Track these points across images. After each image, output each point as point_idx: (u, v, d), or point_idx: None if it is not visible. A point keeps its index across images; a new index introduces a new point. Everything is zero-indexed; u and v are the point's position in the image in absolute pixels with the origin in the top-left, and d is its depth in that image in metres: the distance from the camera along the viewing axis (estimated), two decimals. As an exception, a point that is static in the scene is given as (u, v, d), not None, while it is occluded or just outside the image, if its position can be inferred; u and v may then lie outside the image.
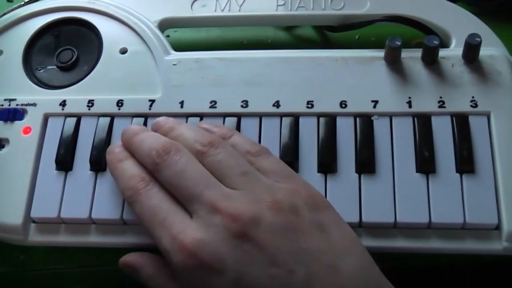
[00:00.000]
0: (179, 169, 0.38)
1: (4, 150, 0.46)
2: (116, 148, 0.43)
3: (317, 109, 0.45)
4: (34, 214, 0.44)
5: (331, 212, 0.39)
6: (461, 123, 0.43)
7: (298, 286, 0.34)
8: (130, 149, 0.42)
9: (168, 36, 0.56)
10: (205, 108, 0.46)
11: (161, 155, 0.39)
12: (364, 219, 0.41)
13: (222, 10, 0.51)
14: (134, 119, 0.46)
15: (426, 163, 0.42)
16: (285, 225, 0.36)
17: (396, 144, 0.43)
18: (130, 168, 0.41)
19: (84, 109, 0.47)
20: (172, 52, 0.49)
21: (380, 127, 0.44)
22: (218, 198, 0.37)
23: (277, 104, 0.45)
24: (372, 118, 0.44)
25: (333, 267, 0.35)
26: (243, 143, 0.41)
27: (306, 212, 0.37)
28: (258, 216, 0.36)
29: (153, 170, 0.40)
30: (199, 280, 0.36)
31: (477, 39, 0.44)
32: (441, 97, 0.44)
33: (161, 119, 0.44)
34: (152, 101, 0.46)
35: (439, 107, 0.44)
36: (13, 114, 0.47)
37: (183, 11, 0.52)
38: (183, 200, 0.38)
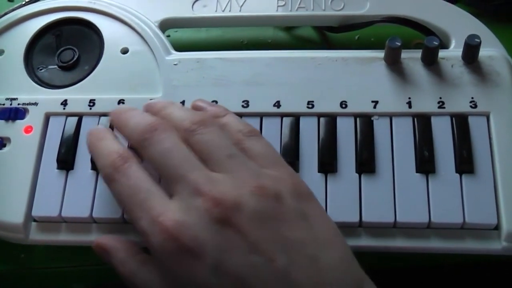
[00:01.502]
0: (165, 147, 0.38)
1: (6, 149, 0.46)
2: (97, 127, 0.42)
3: (317, 109, 0.45)
4: (35, 213, 0.44)
5: (315, 203, 0.38)
6: (460, 123, 0.44)
7: (277, 274, 0.34)
8: (117, 126, 0.41)
9: (168, 36, 0.56)
10: (206, 108, 0.46)
11: (147, 131, 0.39)
12: (364, 218, 0.41)
13: (223, 11, 0.51)
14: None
15: (426, 163, 0.42)
16: (267, 212, 0.35)
17: (396, 144, 0.43)
18: (109, 145, 0.40)
19: (86, 109, 0.47)
20: (173, 52, 0.49)
21: (380, 127, 0.44)
22: (201, 181, 0.36)
23: (277, 104, 0.45)
24: (372, 118, 0.44)
25: (313, 258, 0.35)
26: (236, 123, 0.41)
27: (290, 201, 0.36)
28: (241, 202, 0.35)
29: (139, 147, 0.39)
30: (178, 263, 0.35)
31: (476, 40, 0.45)
32: (440, 98, 0.45)
33: (153, 101, 0.43)
34: (153, 100, 0.47)
35: (439, 107, 0.44)
36: (15, 113, 0.47)
37: (184, 11, 0.52)
38: (166, 179, 0.38)
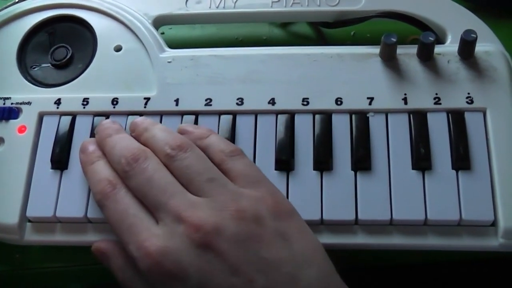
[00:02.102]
0: (146, 177, 0.39)
1: (-1, 149, 0.46)
2: (89, 146, 0.43)
3: (312, 106, 0.45)
4: (29, 213, 0.44)
5: (295, 221, 0.39)
6: (457, 119, 0.43)
7: None
8: (103, 151, 0.42)
9: (162, 33, 0.56)
10: (200, 106, 0.46)
11: (130, 163, 0.40)
12: (360, 216, 0.41)
13: (217, 7, 0.51)
14: (129, 117, 0.46)
15: (422, 160, 0.42)
16: (247, 235, 0.36)
17: (392, 141, 0.43)
18: (99, 171, 0.41)
19: (79, 108, 0.47)
20: (167, 49, 0.49)
21: (375, 124, 0.44)
22: (182, 207, 0.37)
23: (272, 102, 0.45)
24: (367, 115, 0.44)
25: (292, 277, 0.36)
26: (218, 143, 0.42)
27: (269, 221, 0.38)
28: (220, 226, 0.36)
29: (123, 177, 0.40)
30: (163, 286, 0.36)
31: (472, 35, 0.44)
32: (436, 94, 0.44)
33: (138, 119, 0.44)
34: (147, 99, 0.46)
35: (435, 103, 0.44)
36: (8, 113, 0.47)
37: (178, 8, 0.51)
38: (150, 207, 0.39)
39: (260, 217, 0.37)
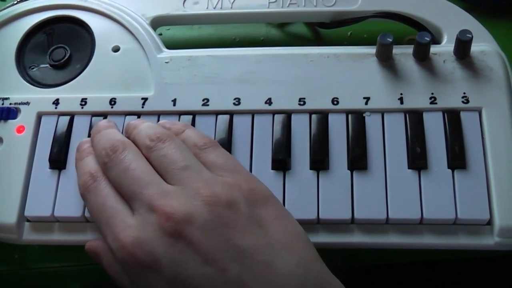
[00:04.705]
0: (123, 167, 0.39)
1: (-2, 149, 0.46)
2: (83, 144, 0.43)
3: (309, 106, 0.45)
4: (28, 213, 0.44)
5: (272, 207, 0.38)
6: (452, 119, 0.43)
7: (231, 284, 0.34)
8: (93, 147, 0.43)
9: (160, 34, 0.56)
10: (197, 106, 0.46)
11: (108, 154, 0.40)
12: (356, 215, 0.41)
13: (214, 8, 0.51)
14: (127, 117, 0.46)
15: (418, 159, 0.42)
16: (219, 221, 0.36)
17: (388, 141, 0.43)
18: (85, 166, 0.42)
19: (77, 108, 0.47)
20: (165, 50, 0.49)
21: (372, 123, 0.44)
22: (155, 196, 0.37)
23: (269, 102, 0.45)
24: (364, 115, 0.44)
25: (269, 264, 0.35)
26: (192, 137, 0.42)
27: (243, 207, 0.37)
28: (192, 214, 0.36)
29: (104, 169, 0.41)
30: (139, 277, 0.36)
31: (468, 35, 0.45)
32: (432, 93, 0.45)
33: (131, 121, 0.44)
34: (145, 99, 0.47)
35: (431, 103, 0.44)
36: (7, 113, 0.47)
37: (176, 9, 0.52)
38: (126, 197, 0.39)
39: (233, 202, 0.37)
